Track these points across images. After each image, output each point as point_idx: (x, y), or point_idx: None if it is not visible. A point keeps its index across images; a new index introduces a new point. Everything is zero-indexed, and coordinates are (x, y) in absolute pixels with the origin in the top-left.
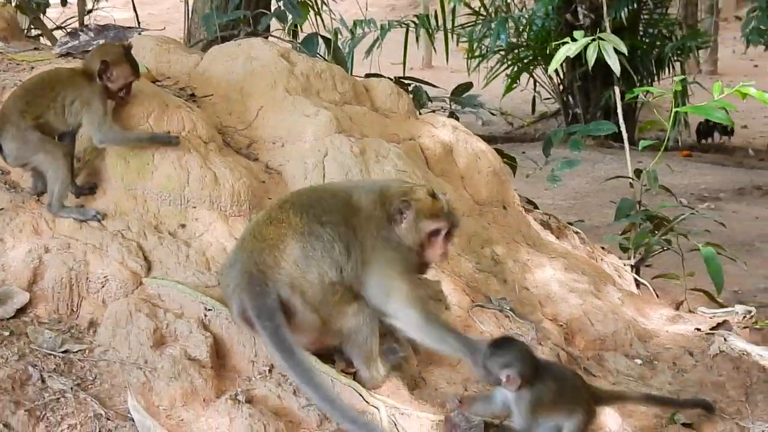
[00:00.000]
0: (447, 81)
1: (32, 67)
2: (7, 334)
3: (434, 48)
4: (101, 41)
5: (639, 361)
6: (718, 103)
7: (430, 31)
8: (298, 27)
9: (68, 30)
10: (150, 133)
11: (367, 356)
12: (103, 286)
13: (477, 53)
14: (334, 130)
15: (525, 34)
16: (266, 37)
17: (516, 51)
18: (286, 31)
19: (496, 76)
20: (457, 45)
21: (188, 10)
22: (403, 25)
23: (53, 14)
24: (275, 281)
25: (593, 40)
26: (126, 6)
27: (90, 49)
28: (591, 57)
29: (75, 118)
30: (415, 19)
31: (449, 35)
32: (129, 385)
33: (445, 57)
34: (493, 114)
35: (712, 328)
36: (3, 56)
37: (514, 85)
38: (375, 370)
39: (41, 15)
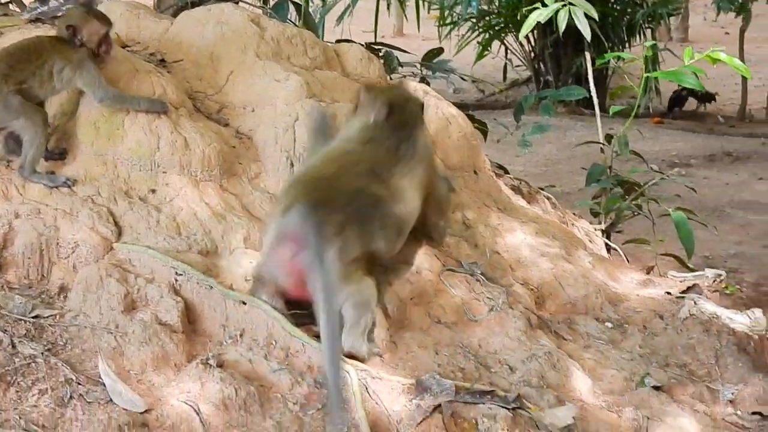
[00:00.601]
0: (418, 48)
1: (0, 33)
2: None
3: (405, 16)
4: (70, 6)
5: (609, 325)
6: (689, 68)
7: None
8: None
9: None
10: (146, 97)
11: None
12: (73, 252)
13: (448, 21)
14: (305, 95)
15: (496, 1)
16: (236, 2)
17: (487, 18)
18: None
19: (468, 43)
20: (429, 12)
21: None
22: None
23: None
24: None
25: (564, 5)
26: None
27: (60, 14)
28: (561, 22)
29: (66, 84)
30: None
31: (420, 3)
32: (100, 350)
33: (417, 25)
34: (464, 80)
35: (683, 292)
36: None
37: (486, 52)
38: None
39: None
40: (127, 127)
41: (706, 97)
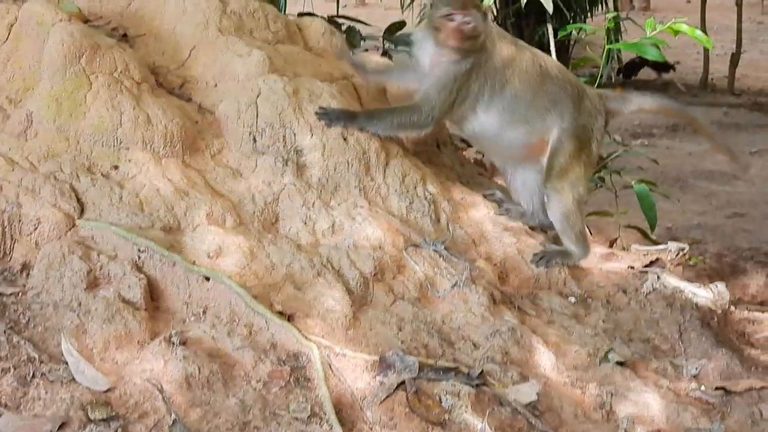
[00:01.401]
0: (381, 19)
1: None
2: None
3: None
4: None
5: (573, 300)
6: (651, 39)
7: None
8: None
9: None
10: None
11: None
12: (35, 229)
13: None
14: (267, 69)
15: None
16: None
17: None
18: None
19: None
20: None
21: None
22: None
23: None
24: None
25: None
26: None
27: None
28: None
29: None
30: None
31: None
32: (62, 327)
33: None
34: None
35: (646, 266)
36: None
37: None
38: None
39: None
40: (89, 103)
41: (664, 67)
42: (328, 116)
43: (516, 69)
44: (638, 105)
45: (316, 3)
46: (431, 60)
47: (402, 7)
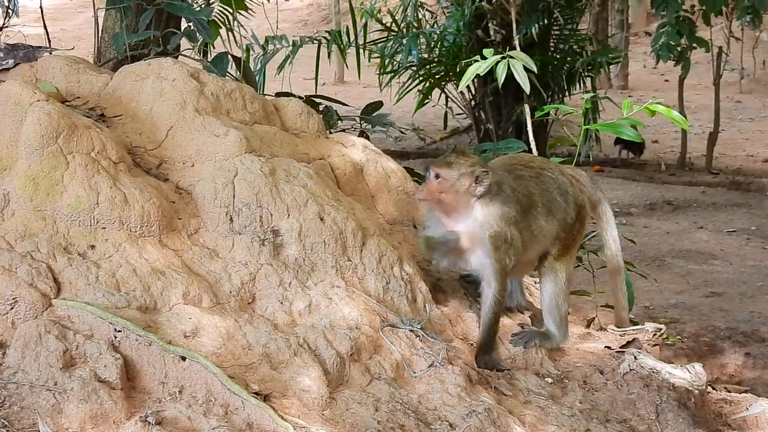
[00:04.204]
0: (360, 96)
1: None
2: None
3: (346, 64)
4: (11, 61)
5: (549, 380)
6: (628, 120)
7: (342, 47)
8: (209, 45)
9: None
10: None
11: None
12: (12, 308)
13: (389, 69)
14: (244, 149)
15: (437, 50)
16: (176, 57)
17: (428, 67)
18: (196, 50)
19: (408, 92)
20: (369, 61)
21: (98, 29)
22: (315, 41)
23: None
24: None
25: (503, 58)
26: (37, 21)
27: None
28: (501, 75)
29: None
30: (327, 35)
31: (361, 51)
32: (38, 407)
33: (357, 73)
34: (403, 132)
35: (623, 346)
36: None
37: (426, 100)
38: None
39: None
40: (66, 182)
41: (637, 146)
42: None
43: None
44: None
45: (295, 81)
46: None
47: (380, 85)
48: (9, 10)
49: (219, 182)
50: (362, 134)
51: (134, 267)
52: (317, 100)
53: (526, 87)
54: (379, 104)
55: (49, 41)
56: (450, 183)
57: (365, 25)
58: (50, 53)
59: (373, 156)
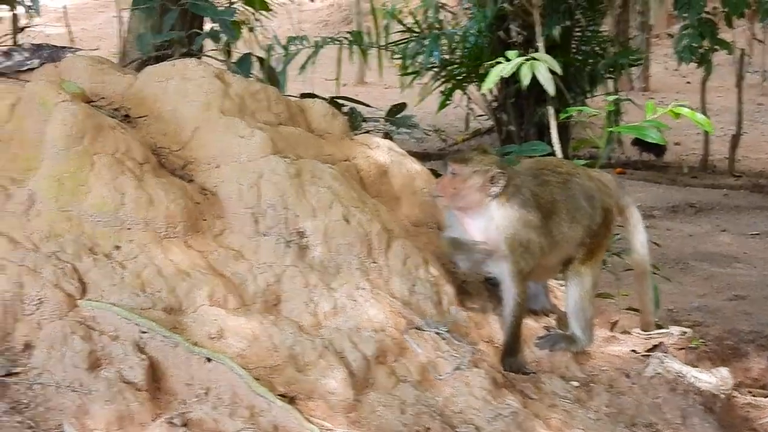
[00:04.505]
0: (381, 97)
1: None
2: None
3: (367, 65)
4: (36, 61)
5: (575, 383)
6: (652, 123)
7: (363, 48)
8: (232, 46)
9: (3, 49)
10: None
11: None
12: (37, 309)
13: (410, 70)
14: (269, 151)
15: (458, 51)
16: (200, 57)
17: (449, 68)
18: (220, 50)
19: (430, 93)
20: (392, 60)
21: (122, 29)
22: (336, 42)
23: None
24: None
25: (527, 60)
26: (58, 21)
27: (25, 69)
28: (525, 78)
29: None
30: (349, 36)
31: (382, 52)
32: (64, 408)
33: (379, 73)
34: (427, 134)
35: (648, 350)
36: None
37: (448, 102)
38: None
39: None
40: (91, 183)
41: (658, 148)
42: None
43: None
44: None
45: (316, 81)
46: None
47: (402, 86)
48: (31, 10)
49: (244, 183)
50: (386, 136)
51: (159, 268)
52: (341, 101)
53: (551, 89)
54: (403, 106)
55: (72, 41)
56: (464, 179)
57: (386, 26)
58: (74, 53)
59: (397, 158)
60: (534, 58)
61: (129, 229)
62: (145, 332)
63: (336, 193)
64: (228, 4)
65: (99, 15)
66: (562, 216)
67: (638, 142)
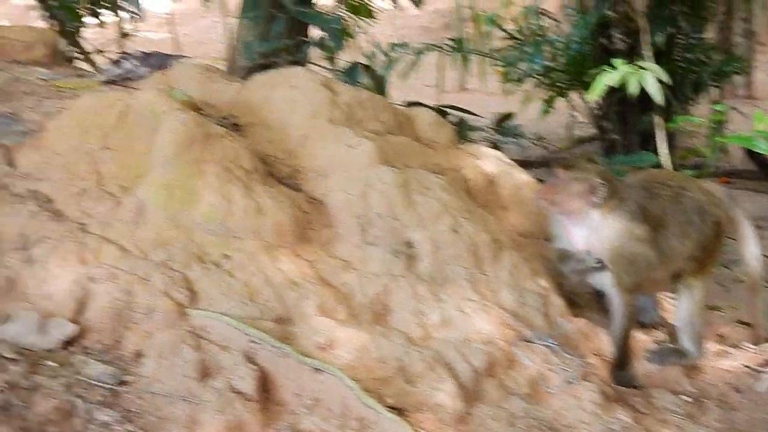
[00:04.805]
0: (483, 105)
1: (76, 95)
2: (53, 364)
3: (468, 72)
4: (145, 69)
5: (686, 398)
6: (762, 133)
7: (465, 54)
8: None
9: (113, 57)
10: None
11: None
12: (147, 317)
13: (512, 77)
14: (377, 160)
15: (561, 58)
16: (305, 65)
17: (551, 75)
18: (326, 58)
19: (532, 101)
20: (493, 68)
21: (227, 35)
22: (438, 49)
23: (88, 34)
24: None
25: (634, 69)
26: (159, 27)
27: (133, 76)
28: (634, 87)
29: None
30: (450, 43)
31: (484, 59)
32: (174, 418)
33: (481, 81)
34: (535, 144)
35: (760, 365)
36: (47, 83)
37: (550, 109)
38: None
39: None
40: (200, 192)
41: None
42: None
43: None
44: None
45: (416, 87)
46: None
47: (504, 93)
48: (135, 15)
49: (352, 193)
50: (494, 145)
51: (268, 277)
52: (447, 109)
53: (659, 99)
54: (510, 116)
55: (178, 47)
56: (565, 185)
57: (487, 33)
58: (183, 61)
59: (505, 168)
60: (641, 67)
61: (238, 237)
62: (254, 342)
63: (444, 203)
64: (331, 12)
65: (200, 20)
66: (672, 230)
67: (750, 153)
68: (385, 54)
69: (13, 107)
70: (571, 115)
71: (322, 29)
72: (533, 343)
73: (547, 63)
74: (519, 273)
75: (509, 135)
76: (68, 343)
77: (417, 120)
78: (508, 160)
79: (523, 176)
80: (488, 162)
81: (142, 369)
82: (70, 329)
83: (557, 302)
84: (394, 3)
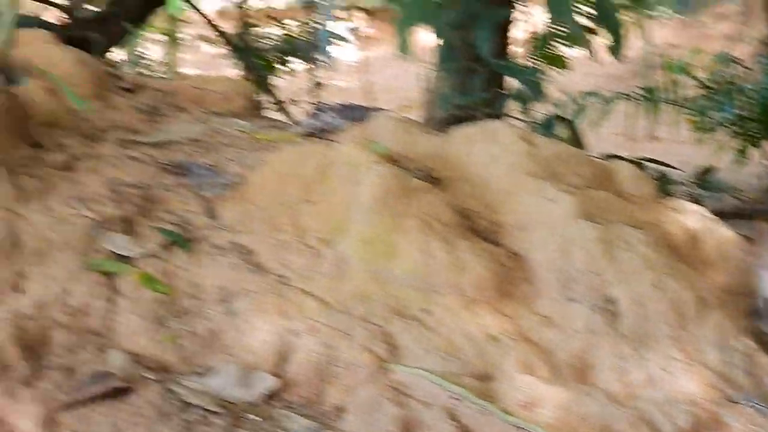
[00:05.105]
0: (674, 154)
1: (276, 147)
2: (256, 418)
3: (658, 120)
4: (343, 121)
5: None
6: None
7: (656, 101)
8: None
9: (309, 109)
10: None
11: None
12: (348, 372)
13: (703, 126)
14: (577, 215)
15: (753, 107)
16: (501, 118)
17: (743, 124)
18: (521, 110)
19: (723, 149)
20: (684, 116)
21: (424, 87)
22: (628, 97)
23: (279, 82)
24: None
25: None
26: (349, 75)
27: (331, 128)
28: None
29: None
30: (641, 91)
31: (676, 107)
32: None
33: (672, 129)
34: (740, 199)
35: None
36: (247, 135)
37: (743, 158)
38: None
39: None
40: (399, 245)
41: None
42: None
43: None
44: None
45: (602, 135)
46: None
47: (694, 141)
48: (326, 65)
49: (552, 248)
50: (695, 200)
51: (468, 332)
52: (644, 162)
53: None
54: (711, 169)
55: (368, 97)
56: None
57: (676, 82)
58: (379, 113)
59: (709, 223)
60: None
61: (437, 292)
62: (455, 399)
63: (646, 259)
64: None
65: (387, 69)
66: None
67: None
68: (576, 103)
69: (213, 159)
70: (765, 164)
71: (520, 81)
72: (739, 404)
73: (738, 112)
74: (724, 331)
75: (712, 189)
76: (270, 396)
77: (616, 174)
78: (712, 215)
79: (727, 232)
80: (691, 217)
81: (344, 424)
82: (272, 382)
83: (764, 362)
84: (591, 54)
